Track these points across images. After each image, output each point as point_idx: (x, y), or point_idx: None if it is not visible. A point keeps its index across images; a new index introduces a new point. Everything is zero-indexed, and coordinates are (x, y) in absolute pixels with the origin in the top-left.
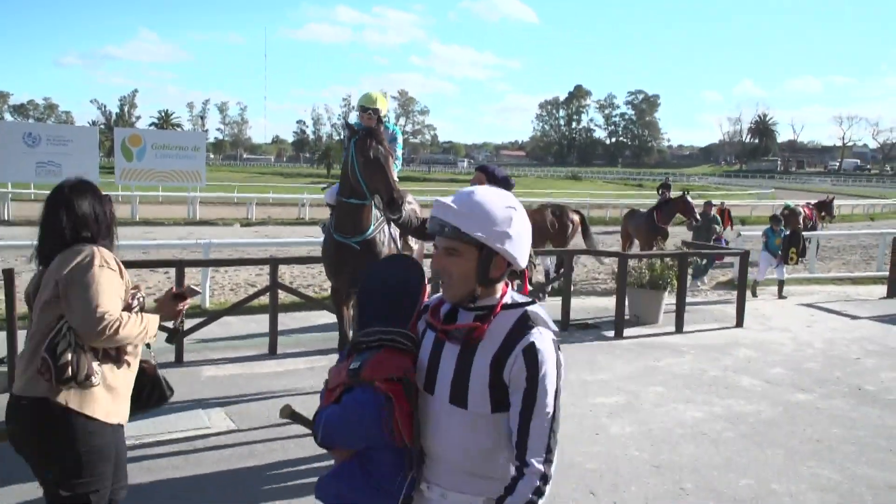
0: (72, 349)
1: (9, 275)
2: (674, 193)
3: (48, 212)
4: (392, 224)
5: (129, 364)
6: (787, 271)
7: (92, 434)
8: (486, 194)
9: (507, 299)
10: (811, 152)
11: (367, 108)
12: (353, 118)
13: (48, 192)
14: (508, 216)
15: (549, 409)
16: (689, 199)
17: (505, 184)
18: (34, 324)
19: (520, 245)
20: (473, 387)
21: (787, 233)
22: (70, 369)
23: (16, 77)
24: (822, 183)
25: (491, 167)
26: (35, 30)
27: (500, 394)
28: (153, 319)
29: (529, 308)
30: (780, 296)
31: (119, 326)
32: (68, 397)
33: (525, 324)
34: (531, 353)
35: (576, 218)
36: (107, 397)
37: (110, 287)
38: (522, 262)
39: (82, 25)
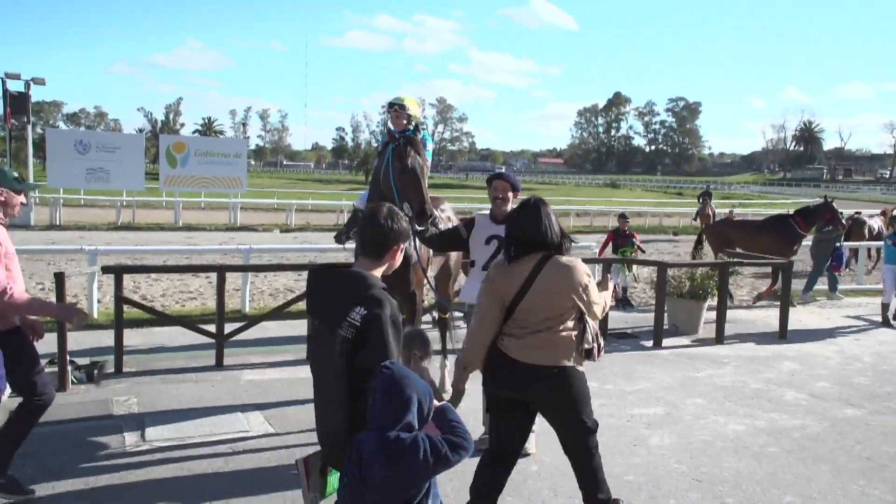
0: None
1: (60, 278)
2: (720, 202)
3: (533, 221)
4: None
5: None
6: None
7: (587, 385)
8: None
9: None
10: (860, 160)
11: (394, 105)
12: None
13: (98, 197)
14: None
15: None
16: (834, 205)
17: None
18: (552, 315)
19: None
20: None
21: None
22: (603, 349)
23: (69, 87)
24: (872, 192)
25: (509, 175)
26: (87, 41)
27: None
28: None
29: None
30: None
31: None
32: (578, 363)
33: None
34: None
35: None
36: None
37: (595, 286)
38: None
39: (131, 35)
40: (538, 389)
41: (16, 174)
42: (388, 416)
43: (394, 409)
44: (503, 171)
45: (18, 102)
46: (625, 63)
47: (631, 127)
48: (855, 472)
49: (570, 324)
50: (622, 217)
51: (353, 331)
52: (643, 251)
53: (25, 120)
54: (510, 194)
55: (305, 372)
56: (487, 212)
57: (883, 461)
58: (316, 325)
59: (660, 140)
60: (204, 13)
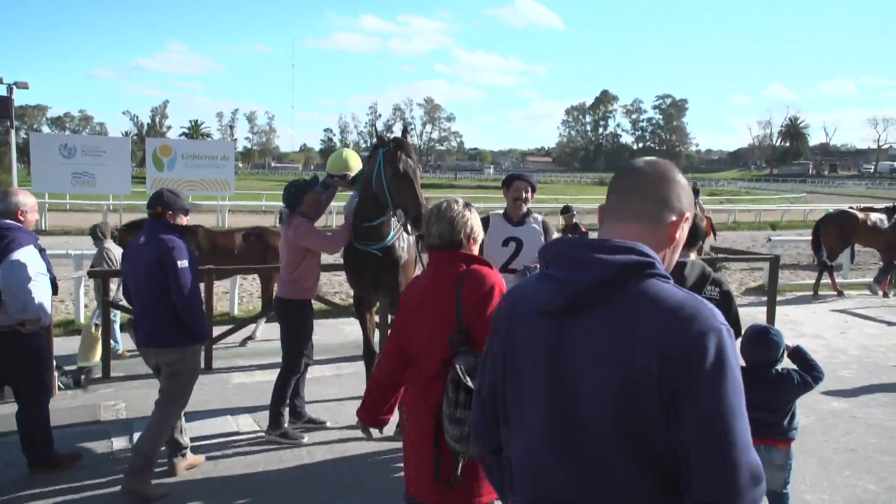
0: None
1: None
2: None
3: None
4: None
5: None
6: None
7: None
8: None
9: None
10: (844, 155)
11: (335, 177)
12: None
13: (84, 201)
14: None
15: None
16: None
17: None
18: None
19: None
20: None
21: None
22: None
23: (53, 90)
24: (857, 186)
25: (528, 175)
26: (70, 44)
27: None
28: None
29: None
30: None
31: None
32: None
33: None
34: None
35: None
36: None
37: None
38: None
39: (114, 39)
40: None
41: (319, 180)
42: (765, 357)
43: (769, 352)
44: (518, 172)
45: (1, 107)
46: (611, 61)
47: (619, 125)
48: (841, 463)
49: None
50: (566, 211)
51: (714, 303)
52: None
53: (9, 124)
54: (529, 195)
55: None
56: (501, 212)
57: (868, 452)
58: None
59: (647, 137)
60: (187, 16)
